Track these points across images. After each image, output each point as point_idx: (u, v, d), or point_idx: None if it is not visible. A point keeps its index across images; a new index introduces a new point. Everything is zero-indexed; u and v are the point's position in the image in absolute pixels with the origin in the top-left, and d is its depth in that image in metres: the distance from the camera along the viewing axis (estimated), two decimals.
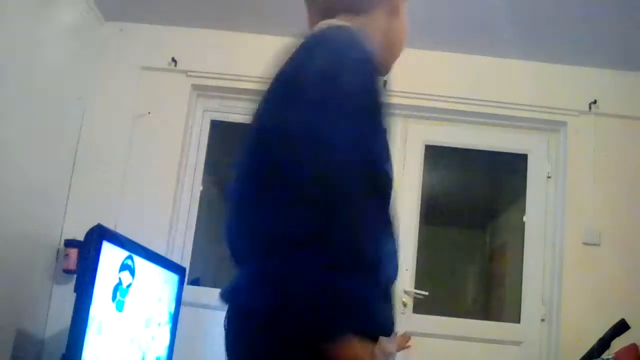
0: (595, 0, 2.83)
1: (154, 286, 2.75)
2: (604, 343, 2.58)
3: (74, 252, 2.98)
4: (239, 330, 1.01)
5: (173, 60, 3.35)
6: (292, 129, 0.94)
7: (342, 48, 1.02)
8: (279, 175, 0.94)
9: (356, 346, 0.94)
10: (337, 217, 0.92)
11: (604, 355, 2.56)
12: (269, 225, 0.94)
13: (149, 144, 3.28)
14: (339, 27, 1.08)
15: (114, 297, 2.42)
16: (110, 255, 2.39)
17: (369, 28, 1.15)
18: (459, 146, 3.48)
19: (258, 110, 1.05)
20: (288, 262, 0.92)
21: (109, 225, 2.54)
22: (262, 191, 0.97)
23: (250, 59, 3.35)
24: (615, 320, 2.61)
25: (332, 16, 1.16)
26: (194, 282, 3.38)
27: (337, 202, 0.92)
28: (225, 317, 1.05)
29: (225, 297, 1.05)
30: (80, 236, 2.55)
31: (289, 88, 0.99)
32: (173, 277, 2.91)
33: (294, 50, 1.05)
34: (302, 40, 1.08)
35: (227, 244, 1.07)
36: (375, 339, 0.98)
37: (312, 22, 1.23)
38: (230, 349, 1.04)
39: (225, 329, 1.05)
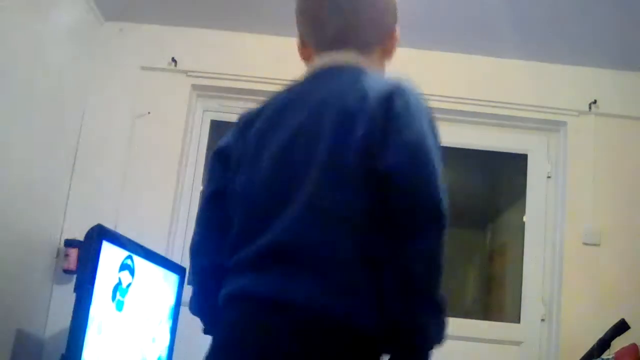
0: (595, 0, 2.83)
1: (154, 286, 2.75)
2: (604, 343, 2.57)
3: (74, 252, 2.98)
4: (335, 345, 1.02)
5: (173, 60, 3.35)
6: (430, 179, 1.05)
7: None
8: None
9: None
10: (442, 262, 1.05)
11: (604, 355, 2.55)
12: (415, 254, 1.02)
13: (149, 144, 3.28)
14: (406, 81, 1.17)
15: (113, 297, 2.42)
16: (110, 255, 2.39)
17: (372, 64, 1.23)
18: (459, 146, 3.48)
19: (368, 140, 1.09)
20: (438, 296, 1.03)
21: (109, 225, 2.54)
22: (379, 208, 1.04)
23: (250, 59, 3.36)
24: (615, 320, 2.61)
25: (338, 49, 1.23)
26: None
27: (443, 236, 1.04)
28: (290, 326, 1.02)
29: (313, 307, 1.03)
30: (80, 236, 2.55)
31: (418, 118, 1.10)
32: (173, 277, 2.91)
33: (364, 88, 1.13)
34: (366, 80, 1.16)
35: (290, 243, 1.07)
36: None
37: (307, 52, 1.30)
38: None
39: (283, 335, 1.02)
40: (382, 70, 1.27)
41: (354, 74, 1.18)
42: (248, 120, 1.27)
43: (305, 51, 1.30)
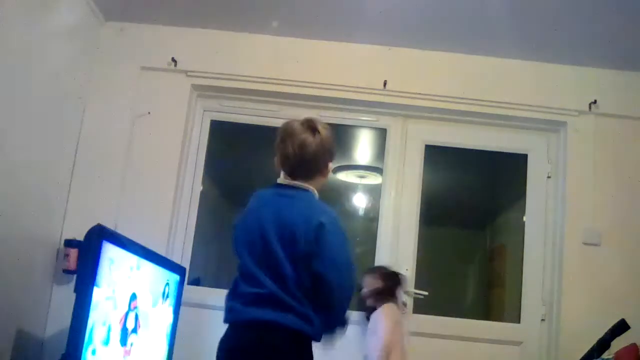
0: (595, 1, 2.83)
1: (154, 286, 2.75)
2: (604, 343, 2.58)
3: (74, 252, 2.98)
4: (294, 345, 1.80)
5: (173, 60, 3.35)
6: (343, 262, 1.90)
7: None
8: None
9: None
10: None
11: (604, 355, 2.56)
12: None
13: (149, 144, 3.29)
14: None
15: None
16: (110, 255, 2.39)
17: (314, 184, 1.95)
18: (459, 146, 3.48)
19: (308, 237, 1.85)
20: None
21: (109, 225, 2.54)
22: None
23: (250, 59, 3.36)
24: (615, 320, 2.61)
25: (294, 178, 1.93)
26: (194, 282, 3.38)
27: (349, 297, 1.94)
28: (272, 334, 1.78)
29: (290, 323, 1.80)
30: (80, 236, 2.55)
31: (335, 244, 1.88)
32: (173, 277, 2.91)
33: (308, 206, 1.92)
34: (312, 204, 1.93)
35: (282, 289, 1.81)
36: None
37: (278, 165, 1.95)
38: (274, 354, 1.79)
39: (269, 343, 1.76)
40: (319, 186, 1.97)
41: (305, 195, 1.93)
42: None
43: (278, 164, 1.97)
